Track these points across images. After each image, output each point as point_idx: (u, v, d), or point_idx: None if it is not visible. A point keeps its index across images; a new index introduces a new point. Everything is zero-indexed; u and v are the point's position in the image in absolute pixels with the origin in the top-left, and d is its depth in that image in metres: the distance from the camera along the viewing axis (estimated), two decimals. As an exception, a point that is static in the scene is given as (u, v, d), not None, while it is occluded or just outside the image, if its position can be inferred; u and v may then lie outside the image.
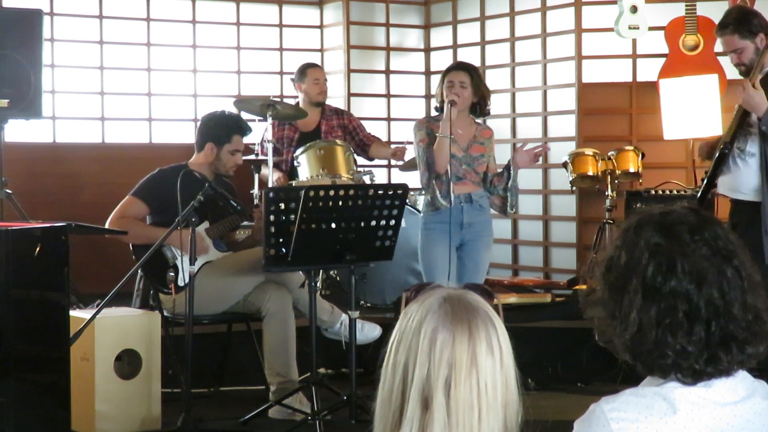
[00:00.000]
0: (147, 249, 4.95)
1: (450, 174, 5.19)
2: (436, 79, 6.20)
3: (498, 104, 7.37)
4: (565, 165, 6.87)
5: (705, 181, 5.09)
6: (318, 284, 5.56)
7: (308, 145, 6.33)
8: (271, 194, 4.65)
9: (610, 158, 6.76)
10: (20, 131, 6.71)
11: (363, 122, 7.18)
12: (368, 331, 5.29)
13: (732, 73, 5.80)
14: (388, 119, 8.23)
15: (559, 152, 7.11)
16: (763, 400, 1.77)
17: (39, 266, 4.08)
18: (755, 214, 4.86)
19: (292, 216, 4.58)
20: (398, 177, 7.30)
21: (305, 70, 6.99)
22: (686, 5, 6.97)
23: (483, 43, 8.00)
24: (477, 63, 7.41)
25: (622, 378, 4.89)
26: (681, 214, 1.79)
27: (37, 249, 4.04)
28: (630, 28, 7.03)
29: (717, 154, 4.97)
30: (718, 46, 5.81)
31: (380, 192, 4.85)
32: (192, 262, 4.71)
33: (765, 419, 1.75)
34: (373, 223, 4.79)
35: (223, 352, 5.73)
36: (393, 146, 7.08)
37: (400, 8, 8.33)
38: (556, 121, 7.59)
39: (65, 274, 4.19)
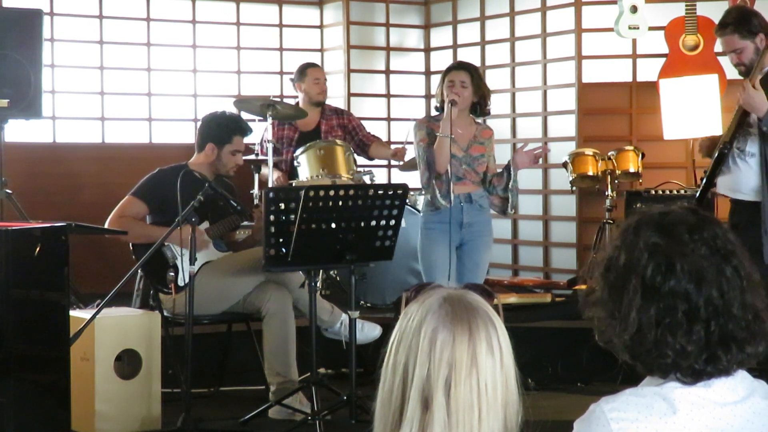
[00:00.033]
0: (147, 249, 4.95)
1: (450, 174, 5.19)
2: (436, 79, 6.20)
3: (498, 104, 7.37)
4: (565, 165, 6.87)
5: (704, 181, 5.09)
6: (318, 284, 5.55)
7: (308, 145, 6.33)
8: (271, 194, 4.65)
9: (610, 158, 6.76)
10: (20, 131, 6.71)
11: (363, 122, 7.18)
12: (368, 331, 5.29)
13: (732, 73, 5.80)
14: (388, 119, 8.23)
15: (559, 152, 7.11)
16: (763, 399, 1.77)
17: (39, 266, 4.08)
18: (755, 214, 4.86)
19: (292, 216, 4.58)
20: (398, 177, 7.30)
21: (305, 69, 6.99)
22: (686, 5, 6.98)
23: (483, 43, 8.00)
24: (477, 63, 7.41)
25: (622, 378, 4.89)
26: (680, 214, 1.79)
27: (37, 249, 4.05)
28: (630, 28, 7.03)
29: (716, 154, 4.97)
30: (718, 46, 5.81)
31: (380, 192, 4.85)
32: (192, 262, 4.72)
33: (764, 419, 1.75)
34: (373, 223, 4.79)
35: (223, 352, 5.73)
36: (393, 146, 7.09)
37: (400, 8, 8.33)
38: (556, 121, 7.59)
39: (65, 274, 4.19)
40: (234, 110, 6.36)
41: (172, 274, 5.11)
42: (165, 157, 5.95)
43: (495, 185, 5.35)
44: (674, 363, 1.73)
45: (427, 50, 8.37)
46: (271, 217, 4.58)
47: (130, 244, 5.26)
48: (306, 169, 6.25)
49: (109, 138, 7.47)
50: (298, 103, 6.95)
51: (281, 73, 7.98)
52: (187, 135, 7.45)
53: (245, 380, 5.67)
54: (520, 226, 7.82)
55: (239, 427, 4.90)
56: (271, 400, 5.05)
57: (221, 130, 5.38)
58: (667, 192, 6.67)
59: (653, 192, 6.68)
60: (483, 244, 5.34)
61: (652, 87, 7.12)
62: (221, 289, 5.20)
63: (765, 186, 4.84)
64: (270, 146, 6.31)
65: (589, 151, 6.84)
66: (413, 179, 6.19)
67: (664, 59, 7.10)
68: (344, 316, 5.14)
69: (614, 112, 7.47)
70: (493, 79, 7.64)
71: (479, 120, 5.56)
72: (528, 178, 7.25)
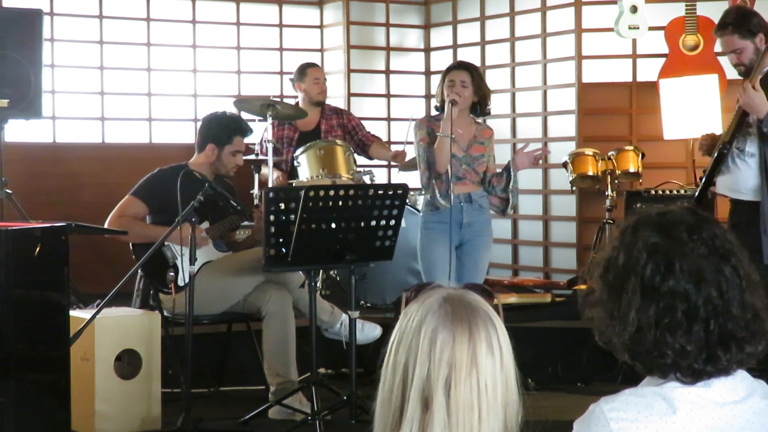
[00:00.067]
0: (147, 249, 4.95)
1: (450, 174, 5.19)
2: (436, 79, 6.20)
3: (498, 104, 7.37)
4: (565, 165, 6.87)
5: (703, 181, 5.09)
6: (318, 284, 5.56)
7: (308, 145, 6.33)
8: (271, 194, 4.65)
9: (610, 158, 6.76)
10: (20, 131, 6.71)
11: (363, 122, 7.18)
12: (368, 331, 5.29)
13: (732, 73, 5.79)
14: (388, 119, 8.23)
15: (559, 152, 7.10)
16: (763, 399, 1.77)
17: (39, 266, 4.08)
18: (755, 214, 4.86)
19: (292, 216, 4.58)
20: (398, 177, 7.30)
21: (305, 69, 6.99)
22: (686, 5, 6.98)
23: (483, 43, 8.00)
24: (477, 63, 7.40)
25: (622, 378, 4.84)
26: (679, 214, 1.79)
27: (37, 249, 4.05)
28: (630, 28, 7.03)
29: (716, 154, 4.98)
30: (718, 46, 5.80)
31: (380, 192, 4.85)
32: (192, 262, 4.72)
33: (764, 419, 1.75)
34: (373, 223, 4.79)
35: (223, 352, 5.73)
36: (393, 147, 7.09)
37: (400, 8, 8.33)
38: (556, 121, 7.59)
39: (65, 274, 4.19)
40: (234, 110, 6.35)
41: (172, 274, 5.11)
42: (165, 157, 5.95)
43: (494, 185, 5.34)
44: (674, 363, 1.73)
45: (427, 50, 8.37)
46: (271, 217, 4.58)
47: (130, 244, 5.26)
48: (306, 169, 6.25)
49: (109, 138, 7.47)
50: (298, 103, 6.95)
51: (281, 73, 7.98)
52: (187, 135, 7.45)
53: (245, 380, 5.67)
54: (520, 226, 7.82)
55: (239, 427, 4.90)
56: (271, 400, 5.05)
57: (221, 130, 5.38)
58: (667, 192, 6.67)
59: (653, 192, 6.68)
60: (483, 244, 5.34)
61: (652, 87, 7.12)
62: (221, 289, 5.20)
63: (764, 186, 4.84)
64: (270, 146, 6.31)
65: (589, 151, 6.84)
66: (413, 179, 6.19)
67: (664, 59, 7.11)
68: (344, 316, 5.14)
69: (614, 112, 7.47)
70: (493, 79, 7.64)
71: (479, 120, 5.56)
72: (528, 178, 7.25)
